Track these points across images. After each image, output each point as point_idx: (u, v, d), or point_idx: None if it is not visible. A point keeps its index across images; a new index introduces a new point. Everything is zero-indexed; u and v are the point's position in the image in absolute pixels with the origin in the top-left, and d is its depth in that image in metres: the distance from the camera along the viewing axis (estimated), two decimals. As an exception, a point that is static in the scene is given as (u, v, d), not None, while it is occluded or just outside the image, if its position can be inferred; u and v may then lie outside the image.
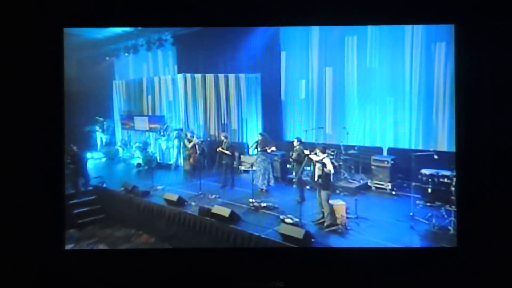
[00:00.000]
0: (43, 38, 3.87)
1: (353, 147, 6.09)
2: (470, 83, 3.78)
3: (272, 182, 5.91)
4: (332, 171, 4.62)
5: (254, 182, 5.74)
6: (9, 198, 3.82)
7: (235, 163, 6.16)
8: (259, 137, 6.03)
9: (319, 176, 4.66)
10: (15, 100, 3.84)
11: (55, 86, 3.93)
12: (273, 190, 5.81)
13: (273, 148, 5.88)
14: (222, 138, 6.29)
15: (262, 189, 5.79)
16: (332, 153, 6.07)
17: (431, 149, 4.80)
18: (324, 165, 4.62)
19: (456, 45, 3.88)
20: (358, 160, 6.03)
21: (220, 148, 6.15)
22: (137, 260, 3.96)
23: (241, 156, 6.38)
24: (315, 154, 4.78)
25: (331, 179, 4.76)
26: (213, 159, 6.39)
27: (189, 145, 6.57)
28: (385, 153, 6.00)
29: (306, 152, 4.98)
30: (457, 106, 3.85)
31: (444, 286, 3.74)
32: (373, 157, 5.78)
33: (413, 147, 5.73)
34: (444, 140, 5.44)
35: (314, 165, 4.72)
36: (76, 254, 4.18)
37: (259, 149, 5.93)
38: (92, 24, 4.19)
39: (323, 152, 4.76)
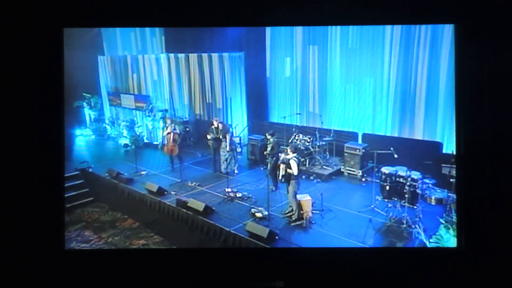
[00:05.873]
0: (43, 38, 3.83)
1: (329, 132, 6.31)
2: (470, 83, 3.77)
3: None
4: (295, 173, 4.80)
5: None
6: (9, 197, 3.79)
7: (221, 147, 6.32)
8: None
9: (282, 176, 4.88)
10: (14, 100, 3.82)
11: (55, 87, 3.90)
12: (251, 176, 6.04)
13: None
14: (215, 125, 6.36)
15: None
16: (309, 140, 6.35)
17: (391, 148, 5.00)
18: (289, 165, 4.82)
19: (456, 45, 3.87)
20: (333, 144, 6.27)
21: (211, 135, 6.29)
22: (136, 260, 3.97)
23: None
24: (285, 152, 4.96)
25: (296, 179, 4.91)
26: (200, 141, 6.54)
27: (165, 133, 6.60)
28: (360, 139, 6.25)
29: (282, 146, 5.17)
30: (457, 106, 3.83)
31: (444, 286, 3.76)
32: (346, 144, 6.03)
33: (388, 133, 5.97)
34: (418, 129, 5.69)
35: (279, 166, 4.93)
36: (76, 254, 4.14)
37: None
38: (92, 24, 4.14)
39: (293, 152, 4.91)
